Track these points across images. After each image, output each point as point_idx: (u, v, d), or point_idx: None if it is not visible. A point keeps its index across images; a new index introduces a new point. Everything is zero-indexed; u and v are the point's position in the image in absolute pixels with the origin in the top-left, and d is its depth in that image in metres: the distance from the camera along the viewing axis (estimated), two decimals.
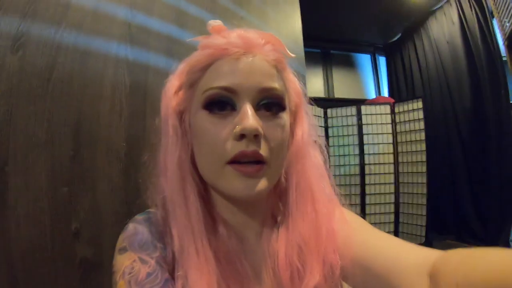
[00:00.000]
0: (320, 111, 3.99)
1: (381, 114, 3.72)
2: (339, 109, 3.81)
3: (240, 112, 0.40)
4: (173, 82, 0.47)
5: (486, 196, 3.23)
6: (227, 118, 0.41)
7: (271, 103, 0.43)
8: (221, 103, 0.41)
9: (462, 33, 3.50)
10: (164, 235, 0.44)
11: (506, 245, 3.01)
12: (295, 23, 1.94)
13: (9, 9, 0.72)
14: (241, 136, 0.39)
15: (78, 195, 0.87)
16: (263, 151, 0.40)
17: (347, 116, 3.79)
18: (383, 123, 3.71)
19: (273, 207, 0.49)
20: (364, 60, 5.13)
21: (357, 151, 3.75)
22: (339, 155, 3.80)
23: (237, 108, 0.41)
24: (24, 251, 0.75)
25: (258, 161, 0.40)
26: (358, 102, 3.86)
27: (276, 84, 0.42)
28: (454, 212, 3.63)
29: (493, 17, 3.06)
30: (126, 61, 1.00)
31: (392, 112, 3.71)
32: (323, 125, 3.93)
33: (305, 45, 4.31)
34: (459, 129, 3.59)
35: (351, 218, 0.49)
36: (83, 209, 0.87)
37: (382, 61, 5.09)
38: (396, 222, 3.63)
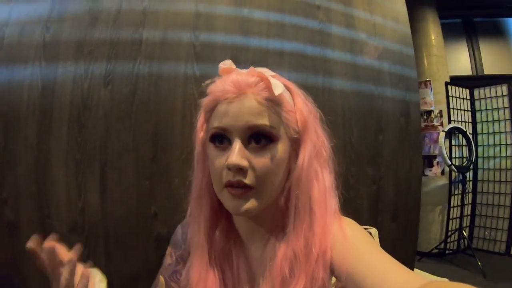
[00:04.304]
0: (465, 92, 3.27)
1: None
2: (487, 89, 3.02)
3: (231, 148, 0.49)
4: (200, 117, 0.58)
5: None
6: (225, 150, 0.50)
7: (259, 137, 0.49)
8: (220, 138, 0.51)
9: None
10: (187, 236, 0.63)
11: None
12: None
13: (98, 56, 1.02)
14: (229, 168, 0.48)
15: (157, 187, 1.14)
16: (248, 179, 0.48)
17: (497, 96, 2.98)
18: None
19: (278, 222, 0.55)
20: None
21: (509, 141, 2.99)
22: (488, 145, 3.04)
23: (231, 143, 0.50)
24: (116, 225, 1.08)
25: (244, 185, 0.49)
26: (511, 79, 2.92)
27: (263, 121, 0.49)
28: None
29: None
30: (194, 77, 1.19)
31: None
32: (469, 108, 3.20)
33: (443, 16, 3.57)
34: None
35: (352, 232, 0.52)
36: (160, 198, 1.15)
37: None
38: None
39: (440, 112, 3.36)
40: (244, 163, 0.47)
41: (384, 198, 1.61)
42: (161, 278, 0.63)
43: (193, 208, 0.59)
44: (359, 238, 0.51)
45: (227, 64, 0.54)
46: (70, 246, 0.49)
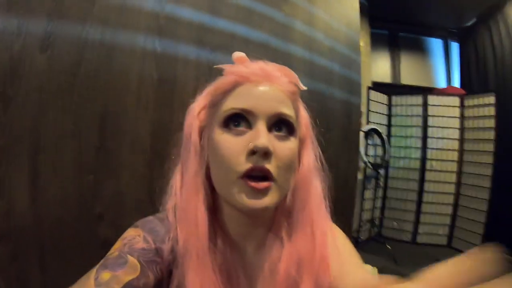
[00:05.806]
0: (384, 97, 3.73)
1: (449, 106, 3.45)
2: (404, 97, 3.57)
3: (254, 130, 0.45)
4: (199, 102, 0.52)
5: None
6: (242, 135, 0.45)
7: (282, 127, 0.47)
8: (238, 121, 0.46)
9: None
10: (169, 238, 0.49)
11: None
12: (351, 4, 1.75)
13: (36, 10, 0.77)
14: (253, 152, 0.43)
15: (103, 183, 0.94)
16: (272, 168, 0.44)
17: (412, 105, 3.52)
18: (451, 117, 3.46)
19: (278, 223, 0.53)
20: (435, 45, 4.65)
21: (419, 144, 3.52)
22: (400, 147, 3.55)
23: (252, 127, 0.46)
24: (53, 228, 0.85)
25: (266, 177, 0.44)
26: (425, 91, 3.55)
27: (289, 111, 0.48)
28: None
29: None
30: (154, 54, 1.01)
31: (462, 105, 3.42)
32: (386, 113, 3.66)
33: (372, 26, 4.00)
34: None
35: (343, 246, 0.53)
36: (107, 196, 0.95)
37: (455, 47, 4.58)
38: (452, 225, 3.47)
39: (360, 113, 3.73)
40: (271, 147, 0.44)
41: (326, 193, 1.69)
42: (132, 259, 0.45)
43: (183, 208, 0.49)
44: (348, 251, 0.54)
45: (241, 54, 0.51)
46: None
